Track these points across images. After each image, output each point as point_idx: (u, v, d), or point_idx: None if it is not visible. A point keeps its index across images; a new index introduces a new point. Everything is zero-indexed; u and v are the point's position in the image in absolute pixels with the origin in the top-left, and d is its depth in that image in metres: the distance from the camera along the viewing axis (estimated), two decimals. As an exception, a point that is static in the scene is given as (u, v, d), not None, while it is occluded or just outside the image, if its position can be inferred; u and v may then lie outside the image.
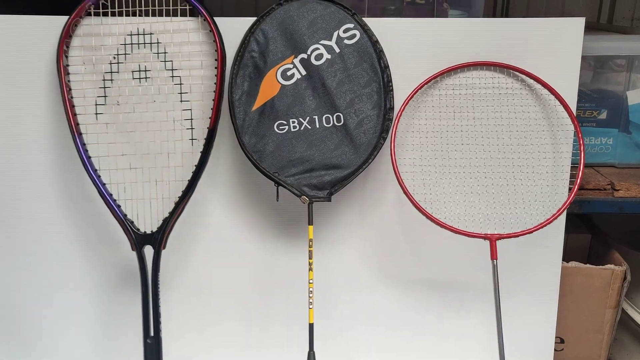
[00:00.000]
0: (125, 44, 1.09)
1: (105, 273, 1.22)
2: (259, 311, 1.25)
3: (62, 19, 1.07)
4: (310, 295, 1.08)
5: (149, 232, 1.07)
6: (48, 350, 1.26)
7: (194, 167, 1.07)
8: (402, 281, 1.25)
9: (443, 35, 1.13)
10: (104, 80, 1.10)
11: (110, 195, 1.07)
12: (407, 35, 1.13)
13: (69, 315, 1.24)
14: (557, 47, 1.14)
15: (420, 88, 1.13)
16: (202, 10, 1.07)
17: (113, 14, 1.08)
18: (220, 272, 1.23)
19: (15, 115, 1.14)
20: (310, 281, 1.08)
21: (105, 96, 1.10)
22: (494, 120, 1.16)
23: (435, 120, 1.16)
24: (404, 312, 1.26)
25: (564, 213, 1.16)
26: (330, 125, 1.10)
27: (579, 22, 1.13)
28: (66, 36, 1.07)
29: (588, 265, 1.28)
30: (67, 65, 1.08)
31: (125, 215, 1.08)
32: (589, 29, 1.17)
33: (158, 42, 1.09)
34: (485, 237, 1.10)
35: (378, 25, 1.11)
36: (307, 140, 1.09)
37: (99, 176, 1.07)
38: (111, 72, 1.10)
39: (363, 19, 1.11)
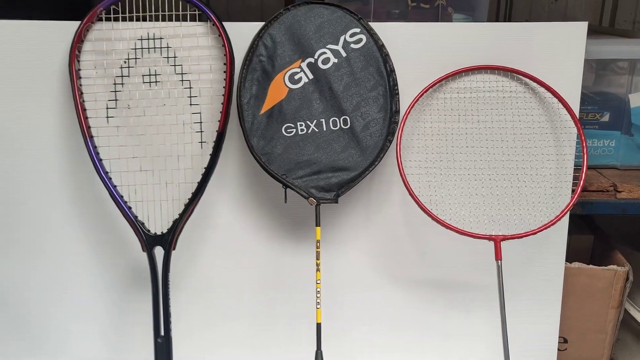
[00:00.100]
0: (135, 49, 1.11)
1: (115, 273, 1.23)
2: (266, 311, 1.26)
3: (74, 24, 1.08)
4: (318, 295, 1.09)
5: (159, 233, 1.08)
6: (59, 349, 1.27)
7: (204, 170, 1.09)
8: (407, 281, 1.26)
9: (448, 39, 1.15)
10: (115, 84, 1.11)
11: (121, 197, 1.09)
12: (413, 39, 1.14)
13: (79, 315, 1.25)
14: (560, 51, 1.15)
15: (425, 91, 1.15)
16: (211, 15, 1.08)
17: (124, 19, 1.09)
18: (228, 273, 1.24)
19: (28, 118, 1.15)
20: (318, 281, 1.09)
21: (116, 100, 1.11)
22: (498, 123, 1.17)
23: (440, 123, 1.17)
24: (409, 312, 1.27)
25: (567, 214, 1.17)
26: (337, 128, 1.11)
27: (582, 27, 1.14)
28: (78, 41, 1.08)
29: (591, 266, 1.28)
30: (79, 70, 1.09)
31: (136, 216, 1.09)
32: (591, 32, 1.17)
33: (168, 47, 1.11)
34: (489, 238, 1.11)
35: (383, 29, 1.12)
36: (315, 143, 1.11)
37: (110, 178, 1.08)
38: (122, 76, 1.11)
39: (369, 23, 1.12)
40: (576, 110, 1.15)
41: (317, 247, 1.10)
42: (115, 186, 1.08)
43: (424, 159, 1.18)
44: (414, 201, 1.12)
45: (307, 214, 1.19)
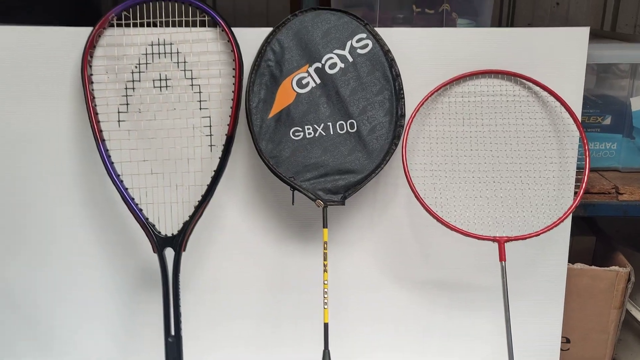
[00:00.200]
0: (146, 54, 1.12)
1: (125, 275, 1.24)
2: (273, 312, 1.27)
3: (87, 31, 1.10)
4: (325, 295, 1.10)
5: (170, 235, 1.10)
6: (69, 350, 1.28)
7: (213, 172, 1.10)
8: (412, 282, 1.27)
9: (452, 44, 1.16)
10: (126, 88, 1.12)
11: (133, 199, 1.10)
12: (418, 45, 1.15)
13: (90, 316, 1.26)
14: (562, 55, 1.16)
15: (430, 95, 1.16)
16: (221, 21, 1.10)
17: (135, 25, 1.10)
18: (236, 274, 1.25)
19: (41, 122, 1.16)
20: (326, 282, 1.10)
21: (127, 104, 1.13)
22: (502, 126, 1.18)
23: (445, 126, 1.18)
24: (414, 312, 1.28)
25: (570, 216, 1.18)
26: (344, 131, 1.13)
27: (584, 32, 1.15)
28: (90, 46, 1.10)
29: (593, 267, 1.29)
30: (91, 75, 1.11)
31: (147, 218, 1.10)
32: (593, 36, 1.18)
33: (178, 52, 1.12)
34: (493, 239, 1.12)
35: (389, 34, 1.14)
36: (322, 146, 1.12)
37: (122, 181, 1.10)
38: (133, 81, 1.12)
39: (375, 28, 1.13)
40: (578, 114, 1.16)
41: (325, 249, 1.11)
42: (126, 188, 1.10)
43: (429, 162, 1.19)
44: (419, 203, 1.13)
45: (314, 215, 1.21)
